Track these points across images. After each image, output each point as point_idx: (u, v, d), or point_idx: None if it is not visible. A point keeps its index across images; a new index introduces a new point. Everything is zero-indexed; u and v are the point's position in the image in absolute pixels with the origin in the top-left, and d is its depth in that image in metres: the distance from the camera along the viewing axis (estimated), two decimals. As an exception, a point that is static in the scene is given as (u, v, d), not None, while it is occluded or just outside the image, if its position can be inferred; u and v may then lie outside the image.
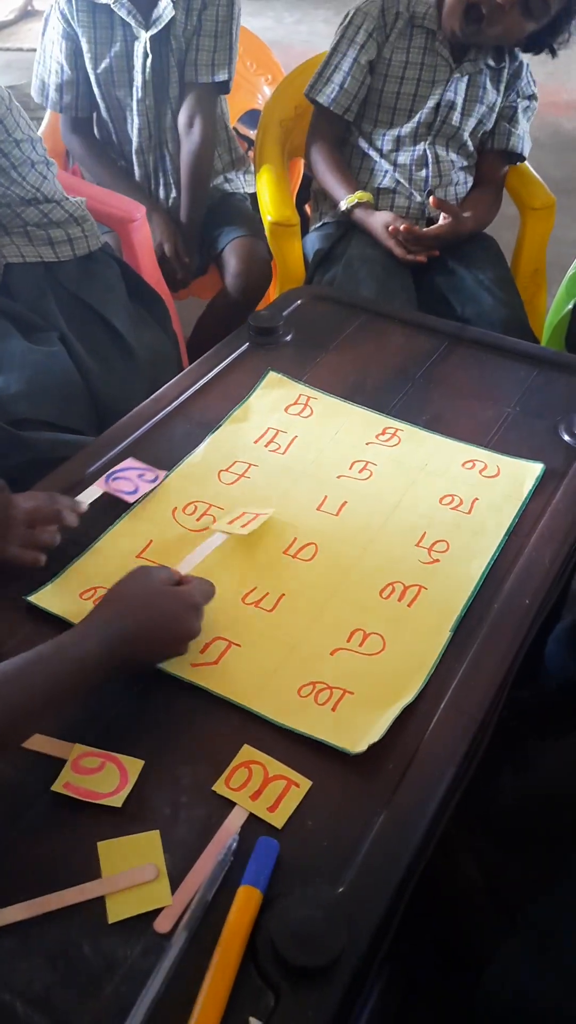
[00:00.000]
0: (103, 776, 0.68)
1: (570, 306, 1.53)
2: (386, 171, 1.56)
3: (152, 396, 1.09)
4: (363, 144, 1.56)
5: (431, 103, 1.53)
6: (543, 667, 1.19)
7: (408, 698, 0.73)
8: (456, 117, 1.55)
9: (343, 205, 1.54)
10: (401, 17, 1.51)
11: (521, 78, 1.58)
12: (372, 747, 0.69)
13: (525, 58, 1.56)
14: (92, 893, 0.61)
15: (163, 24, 1.53)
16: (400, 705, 0.73)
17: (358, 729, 0.71)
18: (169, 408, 1.07)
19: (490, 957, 0.76)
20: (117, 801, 0.66)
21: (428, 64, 1.51)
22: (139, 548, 0.88)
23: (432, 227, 1.53)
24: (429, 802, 0.66)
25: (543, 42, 1.49)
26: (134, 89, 1.59)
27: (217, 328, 1.49)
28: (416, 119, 1.54)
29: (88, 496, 0.90)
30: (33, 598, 0.80)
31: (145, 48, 1.55)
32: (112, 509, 0.92)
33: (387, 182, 1.57)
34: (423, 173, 1.55)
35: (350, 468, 0.99)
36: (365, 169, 1.58)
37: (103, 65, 1.58)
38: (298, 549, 0.88)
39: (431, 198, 1.53)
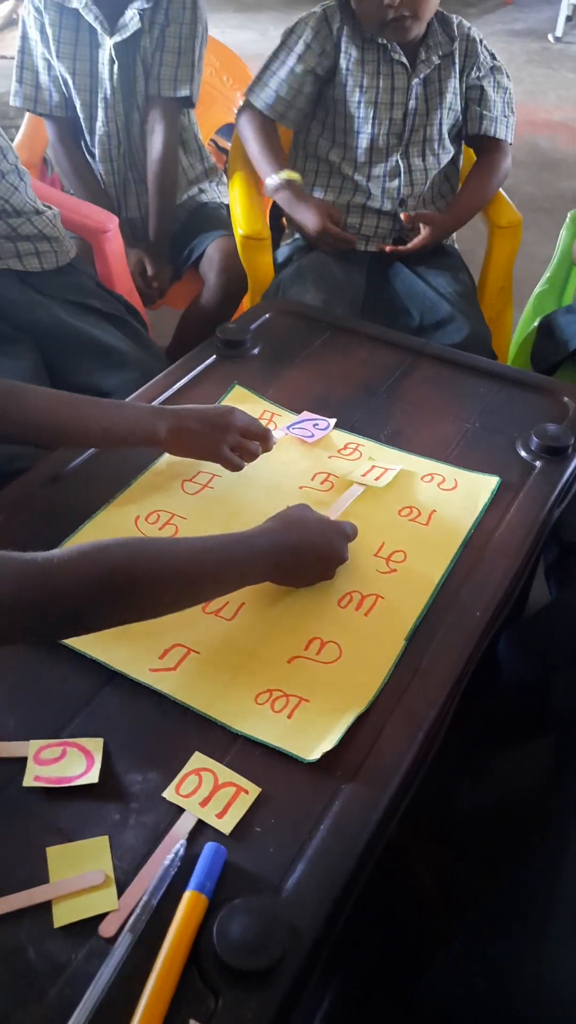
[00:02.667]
0: (68, 762, 0.69)
1: (535, 324, 1.56)
2: (358, 184, 1.58)
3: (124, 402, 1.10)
4: (334, 159, 1.58)
5: (396, 114, 1.54)
6: (498, 671, 1.21)
7: (362, 707, 0.75)
8: (424, 122, 1.56)
9: (270, 181, 1.54)
10: (346, 24, 1.51)
11: (476, 54, 1.55)
12: (323, 755, 0.70)
13: (475, 32, 1.56)
14: (39, 898, 0.62)
15: (129, 33, 1.55)
16: (353, 714, 0.74)
17: (313, 736, 0.72)
18: (136, 418, 1.08)
19: (430, 963, 0.77)
20: (93, 777, 0.68)
21: (385, 73, 1.52)
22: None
23: (414, 241, 1.55)
24: (373, 811, 0.68)
25: None
26: (101, 95, 1.61)
27: (200, 328, 1.51)
28: (384, 131, 1.55)
29: (277, 436, 1.03)
30: None
31: (111, 55, 1.57)
32: (72, 514, 0.93)
33: (359, 198, 1.58)
34: (395, 183, 1.57)
35: (312, 479, 1.01)
36: (333, 187, 1.59)
37: (66, 66, 1.59)
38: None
39: (403, 215, 1.55)
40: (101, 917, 0.61)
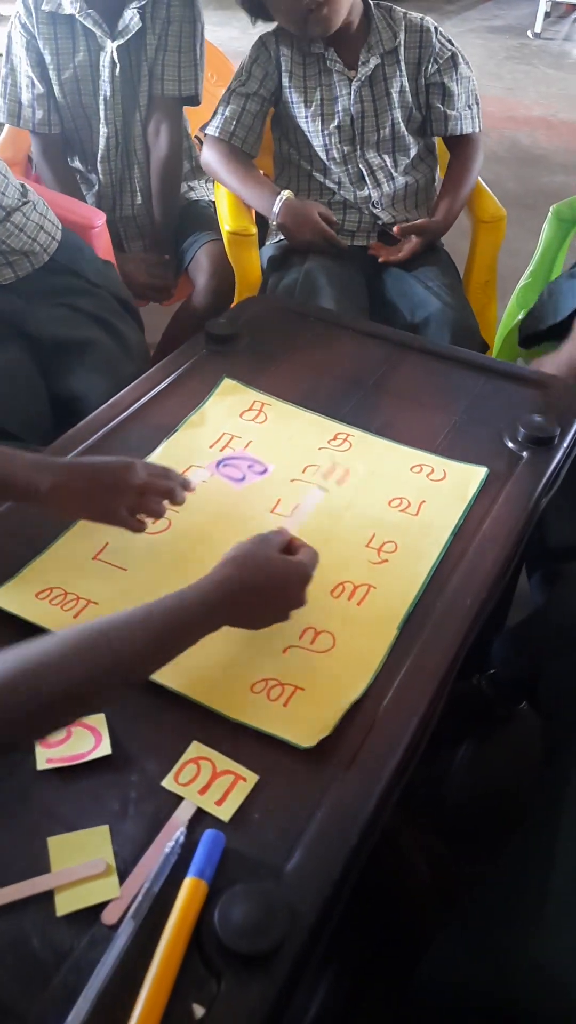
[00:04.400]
0: (76, 740, 0.71)
1: (520, 316, 1.58)
2: (335, 188, 1.59)
3: (108, 401, 1.11)
4: (307, 166, 1.59)
5: (344, 121, 1.54)
6: (488, 666, 1.22)
7: (356, 694, 0.76)
8: (375, 124, 1.55)
9: (278, 205, 1.52)
10: (284, 48, 1.52)
11: (431, 44, 1.53)
12: (318, 743, 0.71)
13: (428, 22, 1.54)
14: (42, 887, 0.62)
15: (130, 34, 1.55)
16: (349, 700, 0.75)
17: (309, 724, 0.73)
18: (125, 413, 1.09)
19: (425, 950, 0.78)
20: (105, 749, 0.70)
21: (326, 84, 1.53)
22: (95, 550, 0.89)
23: (404, 250, 1.56)
24: (369, 796, 0.69)
25: None
26: (101, 98, 1.60)
27: (190, 332, 1.51)
28: (335, 140, 1.55)
29: (196, 477, 0.93)
30: None
31: (112, 58, 1.56)
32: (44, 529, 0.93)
33: (338, 197, 1.60)
34: (365, 191, 1.58)
35: (303, 472, 1.01)
36: (315, 189, 1.60)
37: (66, 75, 1.58)
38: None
39: (395, 228, 1.55)
40: (103, 905, 0.62)
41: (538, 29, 4.96)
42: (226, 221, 1.57)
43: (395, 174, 1.58)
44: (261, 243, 1.66)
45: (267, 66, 1.54)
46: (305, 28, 1.45)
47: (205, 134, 1.61)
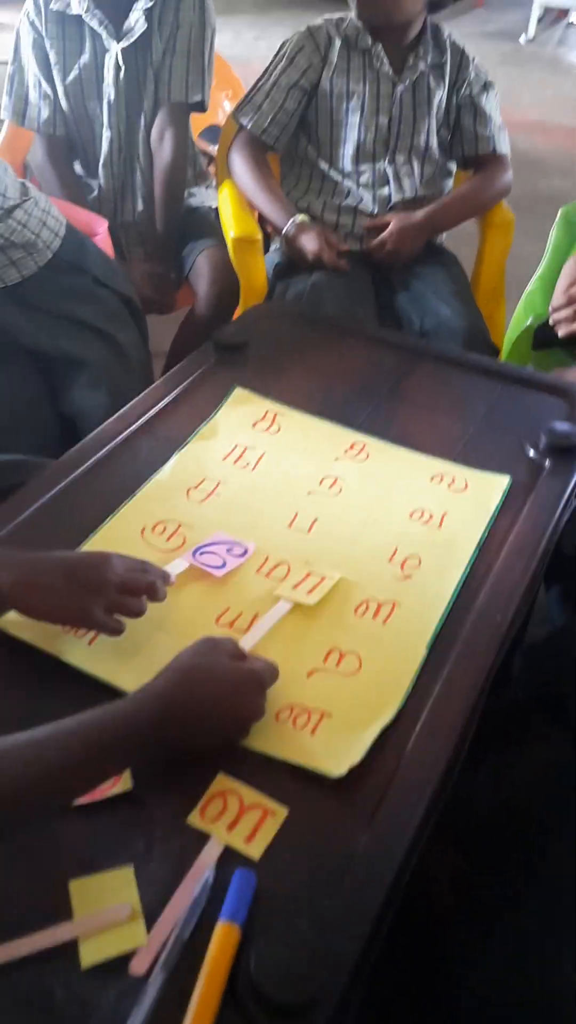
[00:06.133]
0: None
1: (529, 321, 1.55)
2: (348, 189, 1.57)
3: (116, 414, 1.07)
4: (323, 165, 1.57)
5: (382, 120, 1.53)
6: (510, 680, 1.19)
7: (386, 718, 0.73)
8: (411, 130, 1.55)
9: (291, 227, 1.53)
10: (333, 39, 1.52)
11: (468, 69, 1.57)
12: (349, 772, 0.68)
13: (469, 50, 1.57)
14: (64, 936, 0.58)
15: (136, 36, 1.52)
16: (379, 725, 0.72)
17: (338, 752, 0.70)
18: (134, 426, 1.05)
19: (463, 977, 0.75)
20: (127, 784, 0.66)
21: (371, 81, 1.52)
22: None
23: (380, 236, 1.54)
24: (408, 826, 0.65)
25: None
26: (105, 101, 1.57)
27: (195, 343, 1.47)
28: (371, 138, 1.54)
29: (175, 568, 0.83)
30: (1, 623, 0.78)
31: (117, 60, 1.53)
32: (69, 529, 0.89)
33: (350, 200, 1.57)
34: (385, 191, 1.56)
35: (320, 484, 0.98)
36: (326, 190, 1.59)
37: (71, 76, 1.56)
38: (271, 568, 0.87)
39: (365, 223, 1.53)
40: (130, 954, 0.58)
41: (531, 35, 4.96)
42: (231, 227, 1.55)
43: (418, 184, 1.57)
44: (265, 249, 1.63)
45: (312, 57, 1.52)
46: (375, 10, 1.45)
47: (237, 120, 1.57)
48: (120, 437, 1.03)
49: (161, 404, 1.09)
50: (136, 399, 1.10)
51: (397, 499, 0.96)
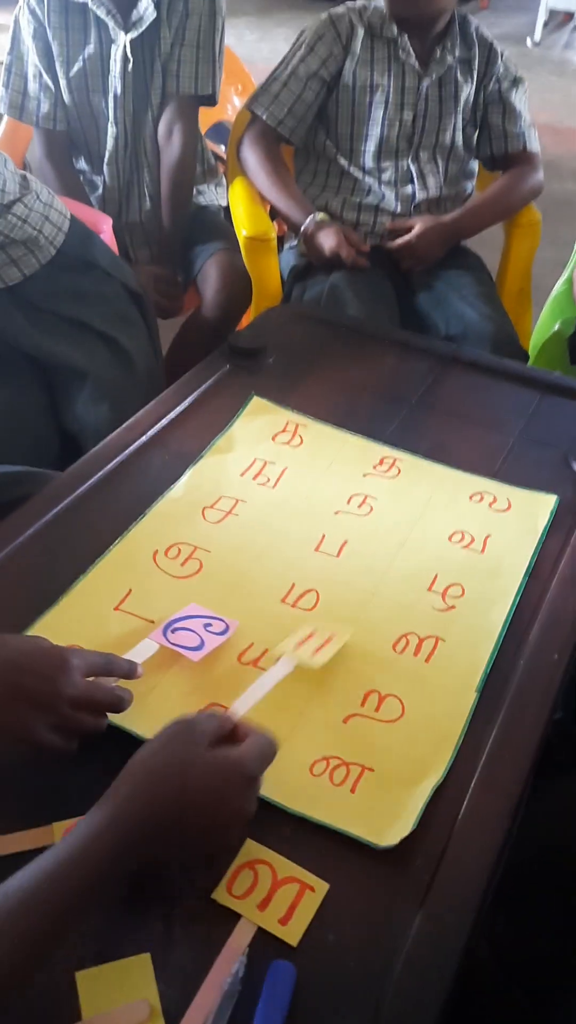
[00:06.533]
0: None
1: (557, 326, 1.48)
2: (369, 187, 1.49)
3: (124, 425, 0.99)
4: (343, 161, 1.49)
5: (407, 116, 1.46)
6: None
7: (438, 777, 0.64)
8: (436, 126, 1.48)
9: (310, 224, 1.45)
10: (356, 28, 1.44)
11: (497, 64, 1.49)
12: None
13: (498, 45, 1.50)
14: (71, 1043, 0.50)
15: (144, 26, 1.44)
16: (429, 784, 0.63)
17: (383, 815, 0.61)
18: (144, 438, 0.97)
19: None
20: None
21: (396, 73, 1.45)
22: (117, 599, 0.77)
23: (400, 240, 1.46)
24: (470, 900, 0.57)
25: None
26: (110, 95, 1.49)
27: (195, 350, 1.38)
28: (395, 134, 1.47)
29: (142, 654, 0.70)
30: None
31: (125, 51, 1.45)
32: (75, 548, 0.81)
33: (371, 199, 1.49)
34: (409, 189, 1.48)
35: (348, 503, 0.90)
36: (345, 187, 1.51)
37: (75, 68, 1.47)
38: (297, 597, 0.78)
39: (388, 224, 1.46)
40: (149, 1065, 0.49)
41: (537, 38, 4.90)
42: (243, 225, 1.46)
43: (443, 183, 1.49)
44: (279, 250, 1.55)
45: (333, 46, 1.44)
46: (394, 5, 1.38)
47: (250, 110, 1.50)
48: (129, 450, 0.95)
49: (172, 414, 1.01)
50: (145, 408, 1.02)
51: (434, 520, 0.88)
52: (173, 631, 0.73)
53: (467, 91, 1.48)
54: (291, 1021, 0.51)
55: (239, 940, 0.54)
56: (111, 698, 0.63)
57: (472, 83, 1.48)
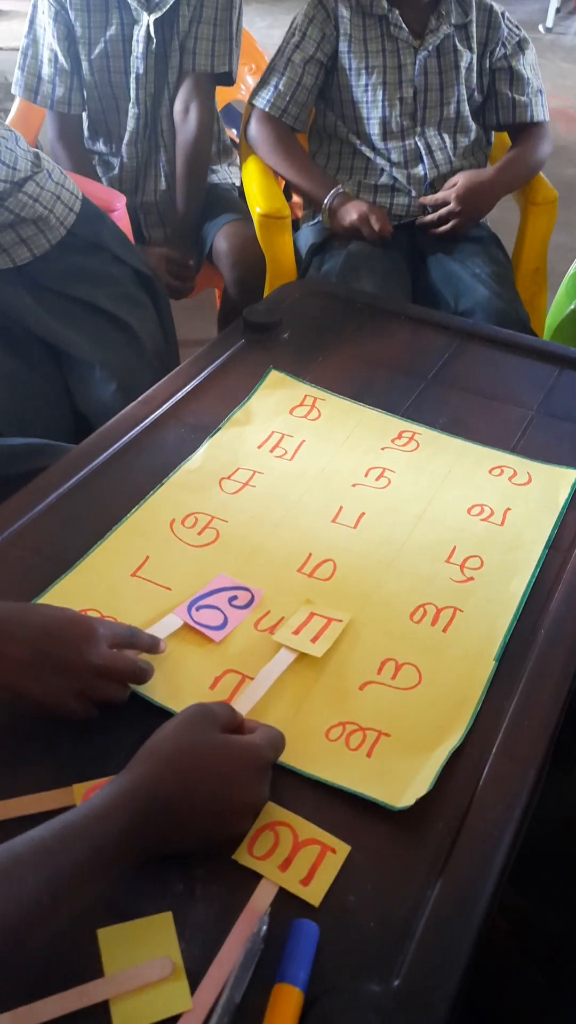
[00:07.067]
0: None
1: (573, 305, 1.46)
2: (382, 168, 1.48)
3: (140, 398, 0.99)
4: (355, 140, 1.48)
5: (407, 93, 1.44)
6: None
7: (454, 741, 0.64)
8: (439, 99, 1.45)
9: (333, 198, 1.44)
10: (343, 5, 1.41)
11: (499, 28, 1.46)
12: (416, 804, 0.59)
13: (496, 5, 1.46)
14: (94, 997, 0.50)
15: (168, 6, 1.43)
16: (446, 749, 0.63)
17: (400, 779, 0.61)
18: (160, 411, 0.96)
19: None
20: None
21: (390, 51, 1.42)
22: (134, 565, 0.77)
23: (437, 212, 1.44)
24: (491, 866, 0.56)
25: None
26: (132, 75, 1.48)
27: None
28: (396, 112, 1.45)
29: (166, 628, 0.70)
30: None
31: (148, 31, 1.44)
32: (91, 518, 0.81)
33: (385, 179, 1.48)
34: (419, 170, 1.47)
35: (366, 475, 0.89)
36: (358, 168, 1.49)
37: (97, 50, 1.47)
38: (314, 567, 0.78)
39: (422, 199, 1.45)
40: (172, 1019, 0.49)
41: (549, 24, 4.85)
42: (257, 203, 1.45)
43: (452, 157, 1.47)
44: (294, 228, 1.54)
45: (325, 27, 1.43)
46: None
47: (252, 105, 1.49)
48: (144, 423, 0.95)
49: (188, 387, 1.00)
50: (161, 381, 1.01)
51: (453, 493, 0.87)
52: (198, 609, 0.72)
53: (468, 59, 1.44)
54: (314, 978, 0.50)
55: (261, 900, 0.54)
56: (134, 669, 0.64)
57: (473, 50, 1.44)
